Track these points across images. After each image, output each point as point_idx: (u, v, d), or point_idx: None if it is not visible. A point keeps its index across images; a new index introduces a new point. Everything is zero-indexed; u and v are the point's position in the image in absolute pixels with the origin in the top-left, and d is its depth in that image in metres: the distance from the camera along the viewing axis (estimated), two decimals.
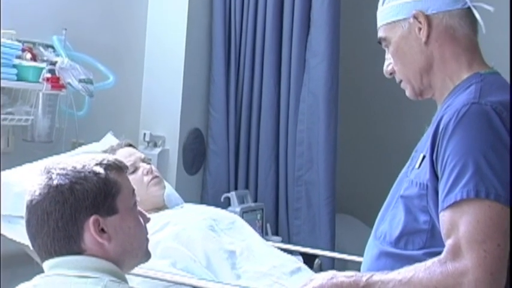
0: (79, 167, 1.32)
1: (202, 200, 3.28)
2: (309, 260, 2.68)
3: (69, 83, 2.50)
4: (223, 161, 3.29)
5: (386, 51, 1.62)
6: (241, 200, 3.07)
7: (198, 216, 2.25)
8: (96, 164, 1.33)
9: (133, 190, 1.39)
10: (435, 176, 1.43)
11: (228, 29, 3.29)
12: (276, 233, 3.21)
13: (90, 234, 1.29)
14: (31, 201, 1.31)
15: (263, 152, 3.24)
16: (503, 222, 1.32)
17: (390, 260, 1.51)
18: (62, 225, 1.28)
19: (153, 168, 2.40)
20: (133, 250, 1.36)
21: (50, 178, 1.30)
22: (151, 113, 3.20)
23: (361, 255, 2.67)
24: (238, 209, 2.92)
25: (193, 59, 3.22)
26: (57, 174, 1.30)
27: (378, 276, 1.41)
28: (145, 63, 3.23)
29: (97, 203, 1.30)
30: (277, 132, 3.23)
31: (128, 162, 2.31)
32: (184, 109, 3.18)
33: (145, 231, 1.40)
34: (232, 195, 3.03)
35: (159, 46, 3.20)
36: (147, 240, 1.41)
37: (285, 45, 3.17)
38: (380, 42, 1.62)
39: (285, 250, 2.47)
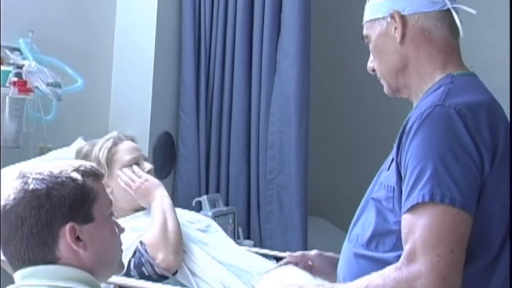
0: (56, 172, 1.32)
1: (173, 204, 3.27)
2: None
3: (36, 87, 2.50)
4: (193, 164, 3.31)
5: (369, 47, 1.66)
6: (213, 204, 3.10)
7: None
8: (74, 170, 1.34)
9: (111, 201, 1.40)
10: (400, 179, 1.47)
11: (198, 30, 3.31)
12: (247, 236, 3.24)
13: (65, 242, 1.29)
14: (4, 206, 1.30)
15: (234, 155, 3.27)
16: (459, 226, 1.35)
17: (363, 262, 1.55)
18: (37, 232, 1.28)
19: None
20: (108, 260, 1.37)
21: (26, 183, 1.30)
22: (121, 117, 3.20)
23: None
24: (210, 213, 2.94)
25: (163, 60, 3.24)
26: (34, 178, 1.30)
27: (339, 287, 1.46)
28: (114, 65, 3.23)
29: (74, 209, 1.30)
30: (248, 134, 3.26)
31: (130, 156, 2.33)
32: (154, 112, 3.19)
33: (120, 242, 1.42)
34: (204, 199, 3.05)
35: (128, 47, 3.21)
36: (121, 251, 1.43)
37: (256, 46, 3.21)
38: (363, 39, 1.66)
39: (257, 254, 2.51)
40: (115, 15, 3.23)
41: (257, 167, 3.24)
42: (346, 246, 1.64)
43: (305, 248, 3.11)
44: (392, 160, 1.53)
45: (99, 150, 2.34)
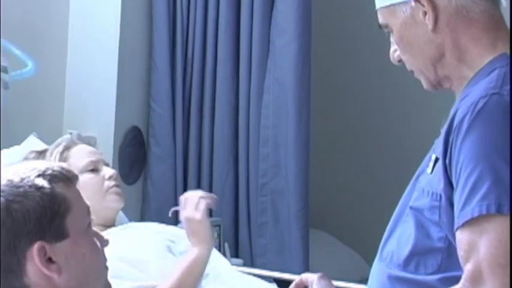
0: (16, 180, 1.30)
1: (143, 215, 3.28)
2: (279, 286, 2.71)
3: None
4: (168, 166, 3.29)
5: (390, 35, 1.64)
6: None
7: (151, 236, 2.25)
8: (38, 176, 1.32)
9: (88, 208, 1.38)
10: (450, 185, 1.46)
11: (173, 2, 3.28)
12: (236, 254, 3.22)
13: (34, 266, 1.28)
14: None
15: (218, 155, 3.25)
16: None
17: (399, 286, 1.54)
18: None
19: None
20: (89, 282, 1.35)
21: None
22: (78, 109, 3.17)
23: (338, 278, 2.73)
24: None
25: (129, 40, 3.21)
26: None
27: None
28: (69, 45, 3.19)
29: (42, 225, 1.28)
30: (235, 130, 3.24)
31: (88, 159, 2.33)
32: (120, 103, 3.16)
33: (103, 258, 1.40)
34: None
35: (86, 22, 3.17)
36: (107, 268, 1.41)
37: (244, 22, 3.19)
38: (381, 28, 1.64)
39: (252, 276, 2.49)
40: None
41: (247, 169, 3.22)
42: (377, 266, 1.63)
43: (306, 269, 3.11)
44: (436, 161, 1.51)
45: (50, 156, 2.37)
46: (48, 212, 1.29)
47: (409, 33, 1.58)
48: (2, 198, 1.27)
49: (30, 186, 1.29)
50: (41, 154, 2.41)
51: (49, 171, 1.33)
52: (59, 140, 2.48)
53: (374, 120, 4.17)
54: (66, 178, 1.35)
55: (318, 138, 3.60)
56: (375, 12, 1.66)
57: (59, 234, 1.30)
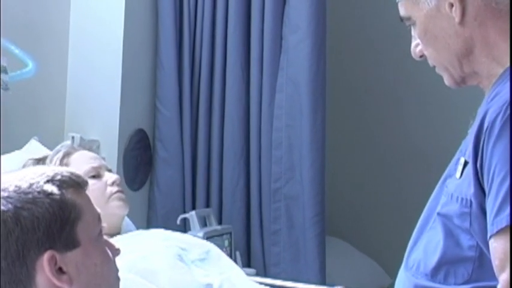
0: (24, 186, 1.30)
1: (150, 222, 3.28)
2: None
3: None
4: (176, 171, 3.28)
5: (412, 29, 1.64)
6: (203, 223, 3.07)
7: (161, 244, 2.25)
8: (48, 181, 1.32)
9: (99, 215, 1.38)
10: (481, 190, 1.45)
11: None
12: (248, 263, 3.22)
13: (44, 277, 1.28)
14: None
15: (229, 159, 3.25)
16: None
17: None
18: (7, 267, 1.27)
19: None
20: None
21: None
22: (81, 111, 3.16)
23: None
24: (200, 234, 2.92)
25: (134, 38, 3.20)
26: None
27: None
28: (71, 44, 3.19)
29: (52, 233, 1.28)
30: (246, 132, 3.24)
31: (89, 165, 2.34)
32: (125, 104, 3.16)
33: (115, 268, 1.40)
34: (192, 216, 3.02)
35: (88, 22, 3.17)
36: (118, 279, 1.42)
37: (255, 18, 3.19)
38: (402, 20, 1.63)
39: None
40: None
41: (259, 173, 3.22)
42: (403, 275, 1.62)
43: (323, 278, 3.11)
44: (466, 165, 1.50)
45: (50, 163, 2.37)
46: (58, 220, 1.30)
47: (433, 26, 1.57)
48: (10, 205, 1.27)
49: (39, 193, 1.30)
50: (40, 161, 2.41)
51: (58, 177, 1.34)
52: (59, 146, 2.49)
53: (393, 120, 4.16)
54: (76, 184, 1.36)
55: (334, 140, 3.59)
56: (394, 5, 1.65)
57: (69, 242, 1.31)
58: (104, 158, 2.94)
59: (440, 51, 1.59)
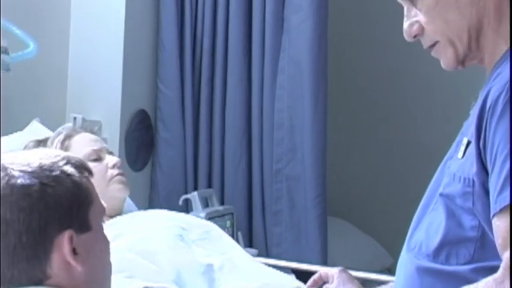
0: (47, 164, 1.30)
1: (152, 203, 3.28)
2: (297, 277, 2.71)
3: None
4: (178, 152, 3.29)
5: (407, 7, 1.61)
6: (205, 203, 3.08)
7: (162, 224, 2.25)
8: (66, 163, 1.33)
9: (104, 208, 1.39)
10: (484, 169, 1.44)
11: None
12: (249, 244, 3.22)
13: (60, 256, 1.28)
14: None
15: (230, 140, 3.25)
16: None
17: (429, 278, 1.52)
18: (27, 241, 1.26)
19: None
20: (103, 280, 1.37)
21: (12, 176, 1.28)
22: (82, 91, 3.16)
23: (358, 269, 2.73)
24: (202, 215, 2.91)
25: (135, 17, 3.20)
26: (21, 171, 1.28)
27: None
28: (72, 24, 3.19)
29: (71, 214, 1.29)
30: (248, 113, 3.24)
31: (90, 148, 2.35)
32: (126, 85, 3.16)
33: (110, 260, 1.41)
34: (194, 196, 3.02)
35: (89, 2, 3.17)
36: (111, 271, 1.42)
37: None
38: None
39: (269, 267, 2.49)
40: None
41: (260, 154, 3.22)
42: (404, 257, 1.61)
43: (324, 259, 3.11)
44: (468, 144, 1.49)
45: (51, 145, 2.38)
46: (77, 201, 1.31)
47: None
48: (36, 180, 1.27)
49: (62, 172, 1.31)
50: (41, 143, 2.41)
51: (73, 160, 1.35)
52: (60, 128, 2.49)
53: (396, 101, 4.16)
54: (88, 170, 1.37)
55: (336, 121, 3.59)
56: None
57: (83, 225, 1.31)
58: (105, 139, 2.95)
59: (451, 23, 1.55)
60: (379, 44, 4.09)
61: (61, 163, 1.32)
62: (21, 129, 2.64)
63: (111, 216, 2.29)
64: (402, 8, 1.64)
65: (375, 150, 4.20)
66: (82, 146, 2.37)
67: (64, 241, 1.28)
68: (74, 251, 1.29)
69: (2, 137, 2.56)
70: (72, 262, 1.28)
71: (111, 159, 2.39)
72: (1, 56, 2.50)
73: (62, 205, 1.28)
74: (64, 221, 1.28)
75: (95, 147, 2.39)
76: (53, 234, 1.27)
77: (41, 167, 1.29)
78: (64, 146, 2.36)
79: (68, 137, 2.40)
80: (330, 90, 3.18)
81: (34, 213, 1.26)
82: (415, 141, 4.03)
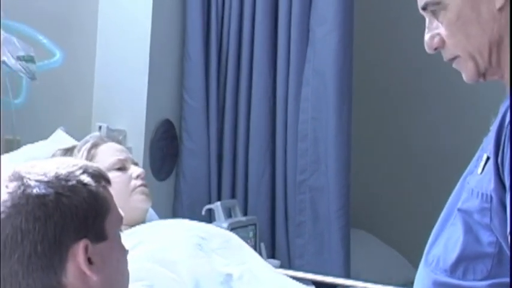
0: (63, 173, 1.31)
1: (175, 213, 3.29)
2: None
3: (3, 62, 2.50)
4: (202, 162, 3.30)
5: (429, 19, 1.60)
6: (228, 213, 3.08)
7: (181, 233, 2.25)
8: (83, 173, 1.33)
9: (122, 217, 1.39)
10: (502, 185, 1.44)
11: None
12: (272, 255, 3.22)
13: (75, 265, 1.28)
14: None
15: (255, 151, 3.26)
16: None
17: None
18: (42, 251, 1.26)
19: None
20: None
21: (28, 185, 1.28)
22: (108, 101, 3.19)
23: (381, 282, 2.72)
24: (225, 225, 2.91)
25: (162, 28, 3.22)
26: (37, 180, 1.29)
27: None
28: (99, 33, 3.22)
29: (87, 223, 1.30)
30: (273, 124, 3.24)
31: (116, 157, 2.36)
32: (152, 95, 3.18)
33: (128, 269, 1.41)
34: (217, 206, 3.03)
35: (117, 12, 3.20)
36: (128, 281, 1.42)
37: (283, 9, 3.18)
38: (425, 8, 1.60)
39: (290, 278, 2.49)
40: None
41: (284, 165, 3.22)
42: (422, 271, 1.61)
43: (347, 271, 3.11)
44: (487, 160, 1.49)
45: (77, 153, 2.39)
46: (93, 210, 1.31)
47: (470, 10, 1.53)
48: (51, 190, 1.28)
49: (78, 182, 1.31)
50: (68, 151, 2.43)
51: (90, 170, 1.35)
52: (88, 137, 2.49)
53: (420, 113, 4.14)
54: (105, 179, 1.37)
55: (360, 132, 3.58)
56: None
57: (99, 234, 1.32)
58: (130, 148, 2.98)
59: (472, 38, 1.55)
60: (403, 54, 4.07)
61: (78, 172, 1.32)
62: (45, 138, 2.66)
63: (132, 226, 2.30)
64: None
65: (399, 162, 4.19)
66: (108, 155, 2.38)
67: (79, 250, 1.28)
68: (89, 261, 1.30)
69: (26, 145, 2.60)
70: (87, 272, 1.29)
71: (135, 170, 2.40)
72: (27, 64, 2.52)
73: (77, 215, 1.28)
74: (79, 230, 1.29)
75: (120, 157, 2.39)
76: (68, 244, 1.28)
77: (57, 177, 1.30)
78: (90, 155, 2.36)
79: (95, 145, 2.41)
80: (354, 101, 3.18)
81: (49, 222, 1.27)
82: (439, 153, 4.01)
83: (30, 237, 1.26)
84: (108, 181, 1.38)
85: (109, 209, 1.34)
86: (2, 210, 1.28)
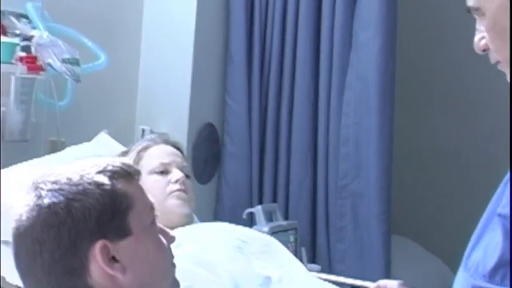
0: (75, 178, 1.32)
1: (217, 215, 3.31)
2: None
3: (49, 64, 2.51)
4: (243, 165, 3.32)
5: (478, 21, 1.61)
6: (269, 217, 3.09)
7: (222, 236, 2.26)
8: (98, 172, 1.33)
9: (152, 204, 1.39)
10: None
11: None
12: (313, 259, 3.23)
13: (97, 266, 1.30)
14: (17, 228, 1.32)
15: (296, 155, 3.26)
16: None
17: None
18: (60, 257, 1.29)
19: (188, 183, 2.39)
20: (155, 282, 1.37)
21: (40, 196, 1.31)
22: (151, 104, 3.22)
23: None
24: (266, 229, 2.92)
25: (205, 31, 3.24)
26: (48, 190, 1.31)
27: None
28: (143, 37, 3.25)
29: (103, 223, 1.30)
30: (314, 128, 3.25)
31: (159, 161, 2.36)
32: (194, 98, 3.20)
33: (170, 255, 1.42)
34: (258, 210, 3.03)
35: (161, 17, 3.23)
36: (174, 265, 1.43)
37: (326, 13, 3.19)
38: (469, 11, 1.61)
39: (328, 282, 2.48)
40: None
41: (326, 170, 3.22)
42: (461, 276, 1.60)
43: (387, 276, 3.08)
44: None
45: (130, 153, 2.42)
46: (109, 210, 1.31)
47: (504, 17, 1.53)
48: (61, 197, 1.29)
49: (89, 184, 1.31)
50: (125, 153, 2.44)
51: (109, 167, 1.35)
52: (148, 136, 2.53)
53: (463, 118, 4.11)
54: (127, 174, 1.37)
55: (402, 137, 3.56)
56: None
57: (121, 232, 1.32)
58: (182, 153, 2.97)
59: (508, 46, 1.55)
60: (448, 62, 4.05)
61: (92, 173, 1.33)
62: (89, 140, 2.68)
63: (172, 229, 2.31)
64: (472, 23, 1.63)
65: (441, 167, 4.16)
66: (153, 158, 2.38)
67: (96, 252, 1.29)
68: (114, 259, 1.31)
69: (71, 147, 2.62)
70: (110, 271, 1.30)
71: (175, 174, 2.37)
72: (73, 67, 2.55)
73: (91, 217, 1.29)
74: (95, 231, 1.29)
75: (164, 161, 2.38)
76: (86, 247, 1.29)
77: (68, 183, 1.31)
78: (138, 157, 2.38)
79: (145, 148, 2.41)
80: (396, 106, 3.17)
81: (63, 229, 1.28)
82: (482, 159, 3.98)
83: (48, 246, 1.29)
84: (132, 174, 1.37)
85: (132, 203, 1.34)
86: (20, 224, 1.31)
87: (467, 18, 1.65)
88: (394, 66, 3.13)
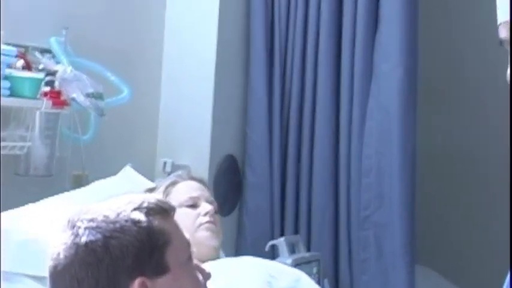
0: (112, 215, 1.34)
1: (238, 248, 3.30)
2: None
3: (73, 99, 2.54)
4: (265, 197, 3.31)
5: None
6: (292, 249, 3.07)
7: (251, 271, 2.26)
8: (134, 209, 1.35)
9: (188, 241, 1.41)
10: None
11: (271, 24, 3.32)
12: None
13: None
14: (55, 267, 1.34)
15: (318, 185, 3.25)
16: None
17: None
18: None
19: (216, 217, 2.44)
20: None
21: (77, 234, 1.32)
22: (172, 136, 3.23)
23: None
24: (289, 261, 2.91)
25: (226, 63, 3.26)
26: (86, 228, 1.32)
27: None
28: (164, 71, 3.27)
29: (141, 260, 1.31)
30: (336, 158, 3.24)
31: (187, 195, 2.40)
32: (215, 130, 3.21)
33: None
34: (281, 242, 3.02)
35: (181, 49, 3.25)
36: None
37: (346, 44, 3.19)
38: (501, 44, 1.61)
39: None
40: (165, 8, 3.27)
41: (347, 201, 3.21)
42: None
43: None
44: None
45: (157, 189, 2.47)
46: (146, 247, 1.32)
47: None
48: (99, 235, 1.31)
49: (126, 221, 1.33)
50: (152, 190, 2.47)
51: (145, 204, 1.37)
52: (173, 174, 2.59)
53: (488, 147, 4.09)
54: (163, 210, 1.38)
55: (425, 167, 3.55)
56: (489, 31, 1.63)
57: (159, 268, 1.33)
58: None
59: None
60: (470, 93, 4.05)
61: (129, 210, 1.34)
62: (113, 173, 2.69)
63: (201, 262, 2.31)
64: (494, 53, 1.64)
65: (465, 198, 4.14)
66: (182, 193, 2.43)
67: None
68: None
69: (97, 181, 2.63)
70: None
71: (205, 207, 2.43)
72: (96, 101, 2.56)
73: (128, 254, 1.30)
74: (133, 269, 1.30)
75: (192, 195, 2.43)
76: (124, 284, 1.30)
77: (105, 220, 1.33)
78: (166, 191, 2.43)
79: (172, 184, 2.47)
80: (420, 131, 3.16)
81: (101, 267, 1.30)
82: (508, 190, 3.96)
83: (86, 284, 1.30)
84: (168, 211, 1.39)
85: (169, 240, 1.35)
86: (57, 263, 1.33)
87: (486, 45, 1.65)
88: (415, 96, 3.13)
